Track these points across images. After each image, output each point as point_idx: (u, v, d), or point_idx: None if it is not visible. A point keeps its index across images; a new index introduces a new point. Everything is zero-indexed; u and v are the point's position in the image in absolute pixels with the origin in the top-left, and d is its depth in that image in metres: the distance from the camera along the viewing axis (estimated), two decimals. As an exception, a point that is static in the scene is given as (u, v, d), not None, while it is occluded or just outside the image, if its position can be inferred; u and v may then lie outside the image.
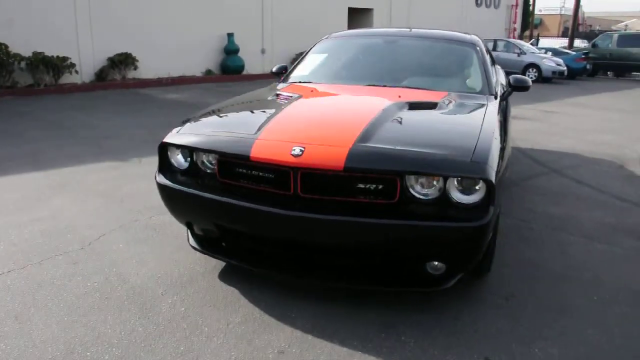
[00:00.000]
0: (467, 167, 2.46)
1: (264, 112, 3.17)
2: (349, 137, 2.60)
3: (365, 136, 2.61)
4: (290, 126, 2.84)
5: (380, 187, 2.52)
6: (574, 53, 20.60)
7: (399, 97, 3.34)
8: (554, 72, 17.34)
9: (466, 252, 2.58)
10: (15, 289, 2.89)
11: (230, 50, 15.01)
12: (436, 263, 2.61)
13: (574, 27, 24.43)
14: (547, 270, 3.30)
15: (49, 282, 2.97)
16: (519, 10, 26.88)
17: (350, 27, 19.12)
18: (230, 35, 14.94)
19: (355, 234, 2.54)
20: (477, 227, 2.45)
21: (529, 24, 29.70)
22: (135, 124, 7.91)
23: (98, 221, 3.93)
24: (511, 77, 4.11)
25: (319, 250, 2.72)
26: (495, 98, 3.76)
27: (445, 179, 2.49)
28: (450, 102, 3.38)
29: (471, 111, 3.32)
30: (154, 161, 5.55)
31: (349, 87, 3.79)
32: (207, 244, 3.05)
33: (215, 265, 3.21)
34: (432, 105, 3.26)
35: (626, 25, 31.19)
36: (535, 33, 33.61)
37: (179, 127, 3.04)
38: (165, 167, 3.02)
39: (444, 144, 2.67)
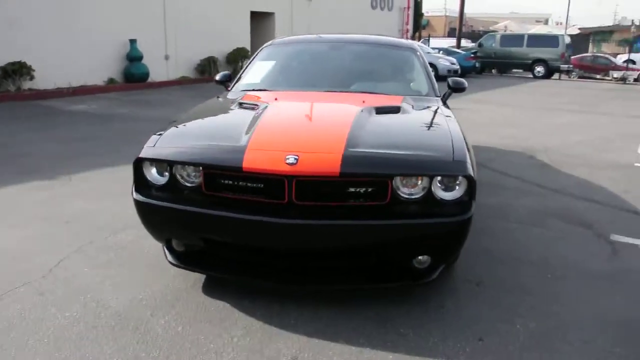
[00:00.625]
0: (451, 166, 2.68)
1: (238, 122, 3.16)
2: (338, 143, 2.71)
3: (352, 142, 2.73)
4: (277, 135, 2.89)
5: (371, 189, 2.66)
6: (463, 52, 22.18)
7: (363, 102, 3.49)
8: (449, 71, 18.58)
9: (451, 245, 2.80)
10: (-18, 328, 2.66)
11: (134, 57, 14.38)
12: (422, 257, 2.80)
13: (461, 28, 26.31)
14: (501, 256, 3.63)
15: (20, 317, 2.76)
16: (411, 12, 28.37)
17: (253, 31, 19.12)
18: (132, 41, 14.32)
19: (352, 236, 2.66)
20: (462, 220, 2.67)
21: (422, 25, 31.45)
22: (47, 139, 7.37)
23: (49, 246, 3.68)
24: (449, 79, 4.42)
25: (315, 255, 2.80)
26: (442, 99, 4.06)
27: (431, 179, 2.68)
28: (410, 105, 3.60)
29: (433, 114, 3.56)
30: (84, 178, 5.37)
31: (309, 94, 3.88)
32: (187, 259, 3.00)
33: (195, 280, 3.17)
34: (396, 110, 3.45)
35: (505, 27, 34.09)
36: (424, 34, 35.57)
37: (154, 142, 2.96)
38: (142, 183, 2.92)
39: (424, 146, 2.87)
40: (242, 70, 4.57)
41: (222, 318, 2.77)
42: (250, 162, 2.62)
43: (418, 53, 4.59)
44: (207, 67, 16.86)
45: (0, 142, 7.22)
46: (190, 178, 2.85)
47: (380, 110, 3.35)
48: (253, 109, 3.37)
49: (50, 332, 2.63)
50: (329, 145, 2.72)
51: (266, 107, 3.29)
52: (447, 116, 3.48)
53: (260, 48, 4.80)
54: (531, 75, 22.47)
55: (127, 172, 5.57)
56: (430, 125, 3.33)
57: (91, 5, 13.51)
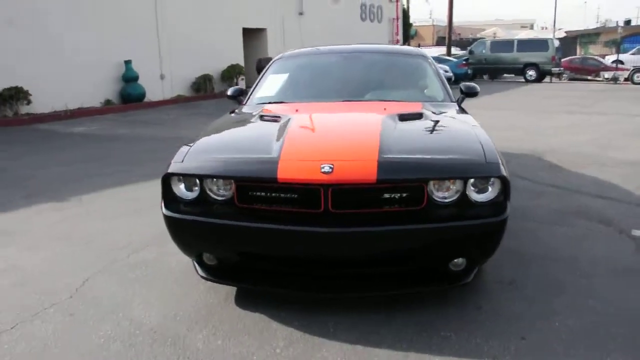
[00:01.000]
0: (484, 168, 2.68)
1: (264, 134, 3.15)
2: (371, 150, 2.70)
3: (385, 148, 2.73)
4: (308, 145, 2.88)
5: (407, 195, 2.65)
6: (455, 60, 22.38)
7: (385, 109, 3.50)
8: (443, 79, 18.67)
9: (487, 247, 2.79)
10: (17, 353, 2.60)
11: (129, 77, 14.40)
12: (458, 260, 2.79)
13: (450, 36, 26.59)
14: (529, 255, 3.63)
15: (54, 338, 2.71)
16: (400, 23, 28.66)
17: (245, 47, 19.21)
18: (127, 62, 14.34)
19: (389, 242, 2.64)
20: (497, 221, 2.67)
21: (411, 35, 31.76)
22: (51, 162, 7.34)
23: (71, 267, 3.63)
24: (462, 84, 4.44)
25: (352, 263, 2.78)
26: (457, 105, 4.08)
27: (465, 181, 2.67)
28: (430, 111, 3.61)
29: (455, 118, 3.58)
30: (95, 199, 5.33)
31: (328, 104, 3.88)
32: (218, 273, 2.97)
33: (226, 294, 3.13)
34: (419, 116, 3.46)
35: (494, 33, 34.54)
36: (413, 43, 35.91)
37: (181, 157, 2.93)
38: (171, 198, 2.89)
39: (455, 149, 2.87)
40: (255, 84, 4.57)
41: (260, 330, 2.73)
42: (285, 172, 2.61)
43: (429, 60, 4.62)
44: (202, 84, 16.91)
45: (3, 165, 7.19)
46: (220, 191, 2.83)
47: (404, 117, 3.35)
48: (276, 121, 3.36)
49: (87, 352, 2.59)
50: (362, 152, 2.72)
51: (290, 118, 3.28)
52: (469, 120, 3.49)
53: (272, 61, 4.81)
54: (523, 80, 22.69)
55: (138, 192, 5.62)
56: (456, 130, 3.34)
57: (85, 28, 13.54)
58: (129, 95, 14.39)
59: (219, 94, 17.26)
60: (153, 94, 15.23)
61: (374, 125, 3.11)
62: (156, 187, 5.72)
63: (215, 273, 2.97)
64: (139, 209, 4.98)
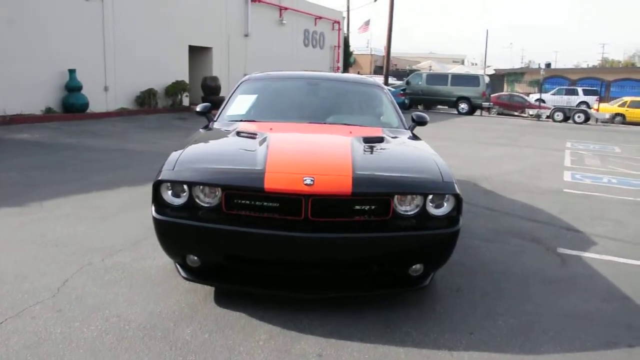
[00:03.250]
0: (441, 186, 3.14)
1: (245, 148, 3.47)
2: (346, 167, 3.09)
3: (357, 166, 3.12)
4: (290, 160, 3.22)
5: (375, 207, 3.05)
6: (393, 89, 23.45)
7: (350, 132, 3.92)
8: (383, 107, 19.56)
9: (442, 254, 3.23)
10: (11, 345, 2.73)
11: (73, 87, 14.11)
12: (417, 266, 3.21)
13: (388, 66, 27.79)
14: (470, 267, 4.12)
15: (46, 332, 2.86)
16: (341, 51, 29.66)
17: (191, 64, 19.28)
18: (72, 71, 14.06)
19: (359, 247, 3.03)
20: (452, 232, 3.13)
21: (350, 63, 32.87)
22: (1, 168, 7.20)
23: (47, 268, 3.74)
24: (413, 114, 4.94)
25: (326, 265, 3.13)
26: (410, 131, 4.57)
27: (425, 197, 3.11)
28: (390, 136, 4.07)
29: (411, 142, 4.06)
30: (56, 205, 5.43)
31: (297, 124, 4.25)
32: (200, 274, 3.23)
33: (205, 294, 3.38)
34: (380, 139, 3.90)
35: (430, 66, 36.45)
36: (352, 71, 37.13)
37: (171, 165, 3.17)
38: (161, 204, 3.14)
39: (416, 169, 3.33)
40: (225, 102, 4.85)
41: (243, 325, 3.01)
42: (271, 183, 2.94)
43: (385, 90, 5.12)
44: (146, 99, 16.78)
45: (-53, 171, 6.98)
46: (208, 198, 3.11)
47: (368, 140, 3.78)
48: (253, 137, 3.68)
49: (82, 343, 2.77)
50: (338, 168, 3.10)
51: (267, 136, 3.61)
52: (423, 145, 3.98)
53: (239, 82, 5.12)
54: (456, 112, 24.11)
55: (99, 199, 5.74)
56: (415, 152, 3.81)
57: (29, 33, 13.21)
58: (72, 105, 14.09)
59: (162, 109, 17.23)
60: (96, 105, 14.98)
61: (344, 145, 3.51)
62: (117, 194, 5.98)
63: (197, 274, 3.23)
64: (104, 216, 5.09)
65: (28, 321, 2.97)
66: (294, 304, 3.23)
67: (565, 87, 32.51)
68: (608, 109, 24.41)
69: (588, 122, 22.34)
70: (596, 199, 6.91)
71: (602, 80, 32.54)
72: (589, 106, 26.02)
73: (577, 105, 25.97)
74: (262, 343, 2.84)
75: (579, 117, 22.37)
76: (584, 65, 61.16)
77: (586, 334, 3.10)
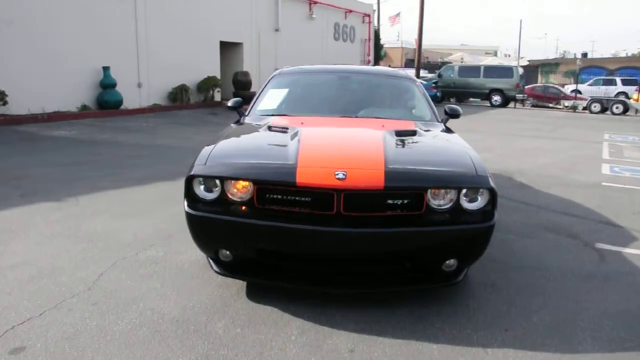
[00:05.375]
0: (476, 180, 3.07)
1: (277, 142, 3.48)
2: (378, 161, 3.06)
3: (390, 160, 3.08)
4: (321, 154, 3.20)
5: (408, 201, 3.01)
6: (425, 82, 23.17)
7: (383, 126, 3.87)
8: (413, 100, 19.36)
9: (476, 249, 3.17)
10: (50, 336, 2.80)
11: (107, 84, 14.43)
12: (450, 261, 3.15)
13: (420, 59, 27.44)
14: (505, 262, 4.03)
15: (83, 324, 2.93)
16: (372, 44, 29.45)
17: (222, 60, 19.45)
18: (106, 68, 14.38)
19: (393, 242, 2.99)
20: (486, 227, 3.06)
21: (381, 56, 32.62)
22: (39, 163, 7.41)
23: (83, 262, 3.83)
24: (446, 107, 4.86)
25: (359, 261, 3.11)
26: (443, 124, 4.49)
27: (459, 191, 3.05)
28: (423, 129, 4.00)
29: (445, 135, 3.99)
30: (91, 200, 5.53)
31: (330, 119, 4.22)
32: (233, 269, 3.25)
33: (238, 289, 3.40)
34: (412, 133, 3.85)
35: (462, 58, 35.87)
36: (382, 64, 36.87)
37: (203, 160, 3.19)
38: (194, 198, 3.16)
39: (450, 163, 3.27)
40: (256, 97, 4.87)
41: (275, 320, 3.02)
42: (303, 177, 2.93)
43: (417, 83, 5.04)
44: (178, 95, 17.03)
45: (-9, 166, 7.22)
46: (240, 193, 3.11)
47: (400, 133, 3.73)
48: (284, 132, 3.68)
49: (116, 336, 2.82)
50: (370, 162, 3.06)
51: (298, 130, 3.60)
52: (457, 138, 3.90)
53: (270, 76, 5.12)
54: (489, 104, 23.68)
55: (132, 194, 5.84)
56: (448, 146, 3.74)
57: (65, 33, 13.57)
58: (106, 101, 14.42)
59: (194, 104, 17.46)
60: (130, 101, 15.29)
61: (376, 139, 3.47)
62: (150, 190, 6.08)
63: (230, 269, 3.24)
64: (138, 211, 5.19)
65: (65, 313, 3.04)
66: (326, 299, 3.22)
67: (602, 77, 31.52)
68: (648, 99, 23.56)
69: (627, 113, 21.61)
70: (636, 193, 6.67)
71: (642, 70, 31.43)
72: (627, 96, 25.16)
73: (615, 96, 25.17)
74: (294, 338, 2.84)
75: (617, 108, 21.66)
76: (623, 54, 59.13)
77: (626, 333, 3.00)
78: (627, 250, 4.40)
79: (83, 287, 3.41)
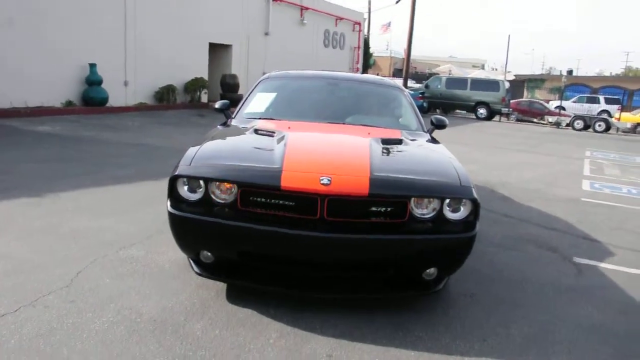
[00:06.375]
0: (459, 191, 3.10)
1: (263, 146, 3.48)
2: (363, 167, 3.07)
3: (376, 167, 3.10)
4: (307, 159, 3.21)
5: (391, 209, 3.03)
6: (412, 92, 23.35)
7: (369, 133, 3.90)
8: (400, 109, 19.49)
9: (457, 259, 3.19)
10: (24, 333, 2.76)
11: (93, 81, 14.26)
12: (431, 270, 3.17)
13: (408, 69, 27.66)
14: (486, 273, 4.07)
15: (59, 322, 2.89)
16: (361, 52, 29.61)
17: (210, 62, 19.39)
18: (92, 65, 14.22)
19: (375, 249, 3.01)
20: (468, 237, 3.09)
21: (369, 65, 32.81)
22: (21, 159, 7.30)
23: (62, 259, 3.78)
24: (433, 117, 4.91)
25: (341, 266, 3.11)
26: (429, 134, 4.53)
27: (442, 201, 3.08)
28: (409, 138, 4.03)
29: (430, 145, 4.02)
30: (72, 197, 5.47)
31: (316, 124, 4.23)
32: (213, 271, 3.23)
33: (218, 291, 3.39)
34: (398, 141, 3.88)
35: (450, 70, 36.27)
36: (371, 72, 37.08)
37: (188, 160, 3.18)
38: (177, 199, 3.14)
39: (434, 172, 3.29)
40: (243, 100, 4.86)
41: (254, 323, 3.01)
42: (288, 181, 2.93)
43: (405, 92, 5.08)
44: (165, 94, 16.91)
45: (-32, 159, 7.09)
46: (224, 195, 3.10)
47: (386, 141, 3.76)
48: (271, 135, 3.69)
49: (93, 334, 2.78)
50: (355, 168, 3.08)
51: (285, 134, 3.60)
52: (442, 148, 3.94)
53: (259, 80, 5.12)
54: (474, 117, 23.92)
55: (113, 192, 5.79)
56: (433, 155, 3.77)
57: (52, 26, 13.39)
58: (92, 98, 14.25)
59: (181, 105, 17.35)
60: (115, 99, 15.13)
61: (362, 146, 3.49)
62: (133, 188, 6.02)
63: (210, 270, 3.23)
64: (120, 209, 5.14)
65: (41, 310, 3.00)
66: (306, 303, 3.22)
67: (586, 95, 32.09)
68: (630, 118, 24.01)
69: (609, 131, 22.00)
70: (615, 209, 6.80)
71: (625, 89, 32.07)
72: (610, 115, 25.64)
73: (598, 114, 25.61)
74: (273, 342, 2.83)
75: (599, 125, 22.04)
76: (607, 74, 60.28)
77: (601, 346, 3.05)
78: (603, 265, 4.48)
79: (61, 284, 3.36)
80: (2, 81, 12.03)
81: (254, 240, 3.01)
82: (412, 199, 3.04)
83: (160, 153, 8.59)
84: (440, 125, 4.81)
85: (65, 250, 3.96)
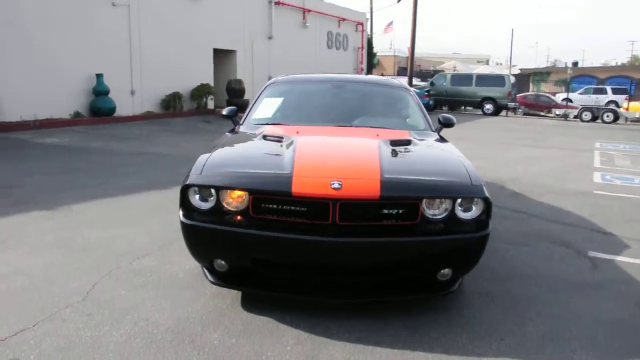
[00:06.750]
0: (470, 190, 3.09)
1: (272, 152, 3.49)
2: (373, 170, 3.07)
3: (386, 169, 3.10)
4: (317, 164, 3.21)
5: (403, 211, 3.02)
6: (417, 91, 23.30)
7: (377, 135, 3.89)
8: (407, 108, 19.45)
9: (471, 259, 3.18)
10: (44, 348, 2.77)
11: (100, 91, 14.37)
12: (445, 270, 3.16)
13: (412, 67, 27.58)
14: (500, 271, 4.05)
15: (77, 335, 2.90)
16: (365, 52, 29.59)
17: (215, 68, 19.46)
18: (99, 75, 14.33)
19: (388, 252, 3.00)
20: (481, 236, 3.08)
21: (374, 64, 32.78)
22: (31, 171, 7.37)
23: (77, 272, 3.80)
24: (440, 116, 4.88)
25: (355, 270, 3.11)
26: (437, 133, 4.52)
27: (454, 201, 3.07)
28: (417, 138, 4.03)
29: (439, 145, 4.01)
30: (84, 209, 5.50)
31: (325, 128, 4.23)
32: (228, 279, 3.24)
33: (232, 299, 3.39)
34: (407, 142, 3.87)
35: (454, 66, 36.13)
36: (375, 72, 37.04)
37: (199, 169, 3.19)
38: (189, 208, 3.15)
39: (444, 172, 3.29)
40: (250, 106, 4.87)
41: (270, 330, 3.01)
42: (299, 187, 2.93)
43: (411, 92, 5.07)
44: (171, 102, 16.99)
45: (-20, 175, 7.16)
46: (235, 203, 3.11)
47: (395, 143, 3.75)
48: (279, 141, 3.69)
49: (111, 347, 2.80)
50: (366, 172, 3.08)
51: (294, 139, 3.60)
52: (451, 147, 3.93)
53: (265, 85, 5.13)
54: (481, 113, 23.82)
55: (124, 203, 5.82)
56: (442, 155, 3.76)
57: (59, 39, 13.52)
58: (99, 108, 14.36)
59: (187, 112, 17.43)
60: (123, 108, 15.23)
61: (371, 149, 3.49)
62: (144, 198, 6.05)
63: (225, 279, 3.24)
64: (131, 219, 5.17)
65: (59, 324, 3.02)
66: (321, 309, 3.22)
67: (593, 86, 31.86)
68: (638, 107, 23.79)
69: (617, 122, 21.83)
70: (628, 201, 6.74)
71: (632, 79, 31.84)
72: (618, 105, 25.45)
73: (605, 105, 25.43)
74: (290, 348, 2.83)
75: (607, 116, 21.88)
76: (613, 63, 59.85)
77: (619, 342, 3.02)
78: (619, 259, 4.44)
79: (77, 297, 3.39)
80: (11, 95, 12.16)
81: (267, 247, 3.02)
82: (424, 200, 3.03)
83: (168, 161, 8.63)
84: (448, 124, 4.78)
85: (79, 262, 3.99)
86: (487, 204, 3.09)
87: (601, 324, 3.23)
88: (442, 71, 33.78)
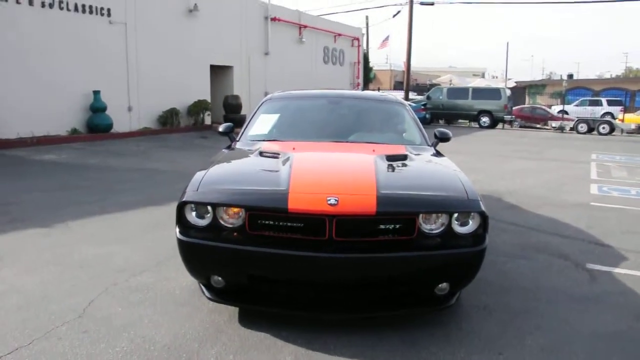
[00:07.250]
0: (467, 204, 3.10)
1: (268, 168, 3.49)
2: (370, 186, 3.08)
3: (382, 185, 3.11)
4: (313, 180, 3.22)
5: (400, 226, 3.02)
6: (414, 104, 23.41)
7: (374, 150, 3.91)
8: (403, 122, 19.53)
9: (468, 273, 3.18)
10: (39, 365, 2.76)
11: (97, 107, 14.41)
12: (442, 285, 3.15)
13: (408, 81, 27.78)
14: (498, 284, 4.04)
15: (73, 353, 2.88)
16: (361, 67, 29.77)
17: (212, 83, 19.55)
18: (96, 92, 14.38)
19: (385, 267, 3.00)
20: (478, 251, 3.08)
21: (370, 79, 32.96)
22: (28, 189, 7.36)
23: (73, 289, 3.79)
24: (436, 130, 4.91)
25: (352, 286, 3.10)
26: (433, 148, 4.54)
27: (450, 215, 3.08)
28: (414, 153, 4.04)
29: (435, 160, 4.03)
30: (81, 225, 5.49)
31: (321, 144, 4.24)
32: (225, 295, 3.23)
33: (230, 315, 3.38)
34: (403, 157, 3.88)
35: (450, 80, 36.40)
36: (372, 87, 37.23)
37: (195, 186, 3.19)
38: (185, 225, 3.15)
39: (441, 187, 3.30)
40: (247, 122, 4.89)
41: (267, 346, 3.00)
42: (295, 203, 2.93)
43: (407, 107, 5.10)
44: (169, 118, 17.03)
45: (-23, 192, 7.15)
46: (232, 219, 3.11)
47: (391, 158, 3.77)
48: (275, 157, 3.70)
49: (107, 365, 2.78)
50: (362, 187, 3.08)
51: (290, 155, 3.61)
52: (447, 162, 3.95)
53: (261, 101, 5.15)
54: (477, 126, 23.92)
55: (121, 220, 5.81)
56: (439, 170, 3.77)
57: (56, 56, 13.58)
58: (97, 125, 14.38)
59: (184, 128, 17.46)
60: (120, 125, 15.26)
61: (368, 164, 3.50)
62: (141, 215, 6.04)
63: (222, 295, 3.22)
64: (128, 236, 5.15)
65: (55, 342, 3.00)
66: (318, 324, 3.20)
67: (588, 98, 32.08)
68: (633, 119, 23.89)
69: (613, 133, 21.92)
70: (625, 212, 6.75)
71: (627, 90, 32.03)
72: (613, 117, 25.58)
73: (601, 116, 25.58)
74: (287, 364, 2.81)
75: (603, 128, 21.97)
76: (607, 76, 60.30)
77: (618, 355, 3.01)
78: (617, 270, 4.44)
79: (73, 314, 3.37)
80: (9, 113, 12.18)
81: (264, 264, 3.01)
82: (420, 215, 3.04)
83: (165, 177, 8.62)
84: (444, 138, 4.81)
85: (76, 279, 3.97)
86: (484, 218, 3.10)
87: (600, 336, 3.23)
88: (439, 85, 34.00)
